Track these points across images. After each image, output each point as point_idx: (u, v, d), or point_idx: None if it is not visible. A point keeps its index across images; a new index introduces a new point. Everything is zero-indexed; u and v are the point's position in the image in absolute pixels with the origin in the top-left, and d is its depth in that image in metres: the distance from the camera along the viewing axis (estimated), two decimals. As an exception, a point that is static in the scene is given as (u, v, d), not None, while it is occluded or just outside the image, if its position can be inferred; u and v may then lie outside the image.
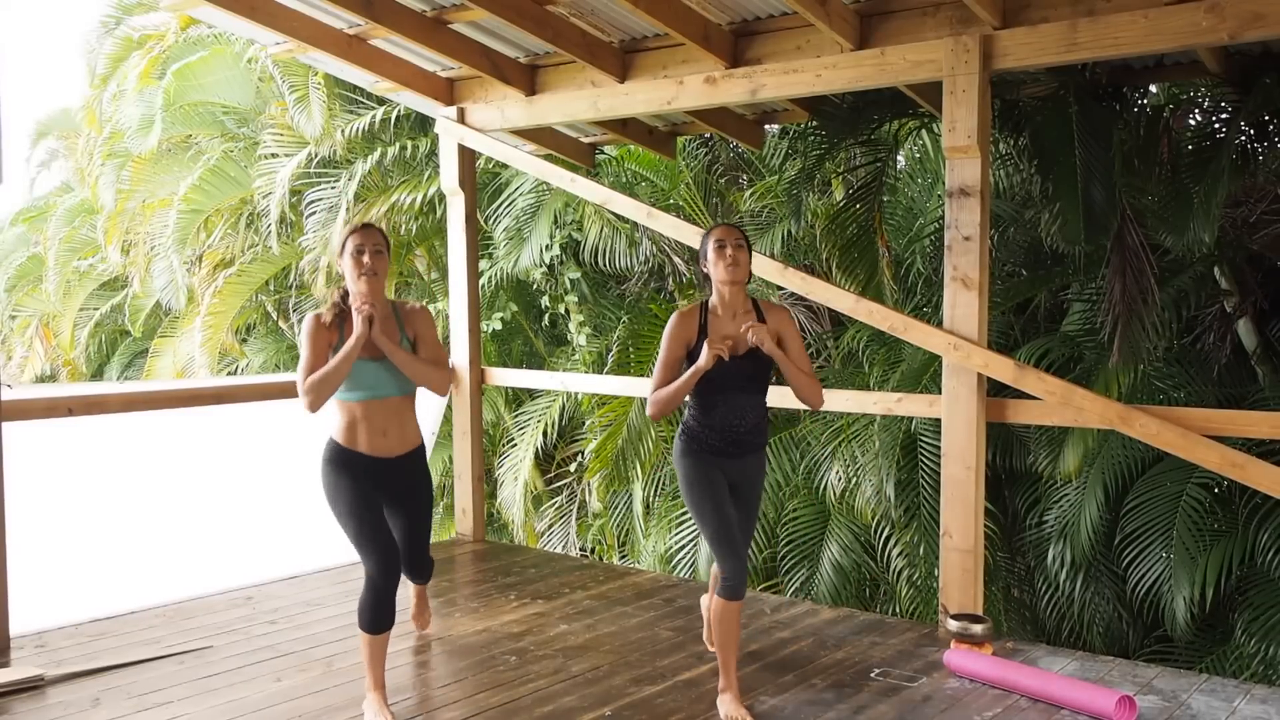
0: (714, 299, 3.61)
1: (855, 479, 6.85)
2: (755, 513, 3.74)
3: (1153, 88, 6.20)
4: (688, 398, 3.57)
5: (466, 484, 6.14)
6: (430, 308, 9.51)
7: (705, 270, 3.63)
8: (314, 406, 3.46)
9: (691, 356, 3.54)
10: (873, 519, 6.83)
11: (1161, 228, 5.49)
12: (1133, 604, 6.08)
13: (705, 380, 3.46)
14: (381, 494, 3.63)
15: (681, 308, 3.67)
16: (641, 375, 7.71)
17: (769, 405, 3.71)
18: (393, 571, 3.51)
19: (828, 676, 3.90)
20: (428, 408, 3.98)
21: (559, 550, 8.87)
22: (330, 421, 3.64)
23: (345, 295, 3.59)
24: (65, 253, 14.11)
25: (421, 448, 3.79)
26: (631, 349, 8.13)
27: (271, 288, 11.43)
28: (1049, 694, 3.62)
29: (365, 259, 3.49)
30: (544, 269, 8.95)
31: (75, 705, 3.68)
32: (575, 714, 3.56)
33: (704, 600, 4.18)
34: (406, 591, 4.03)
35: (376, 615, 3.48)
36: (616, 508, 8.63)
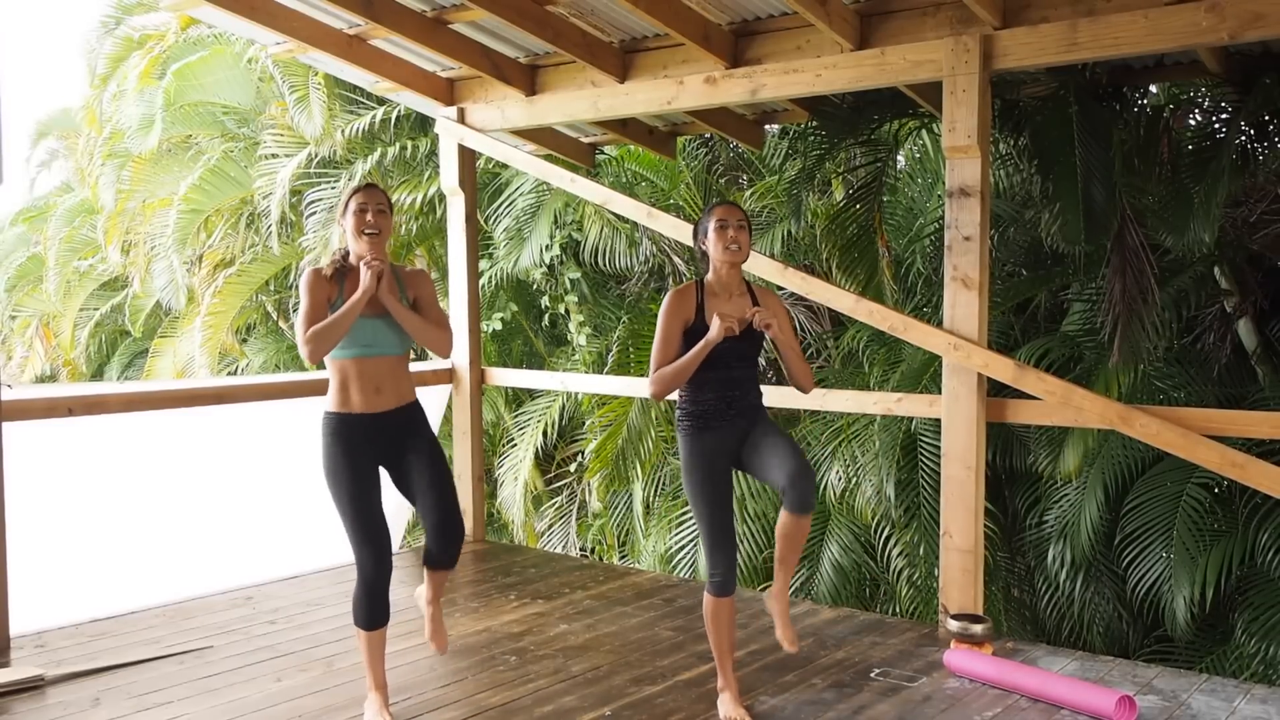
0: (710, 277, 3.57)
1: (855, 479, 6.85)
2: (793, 442, 3.57)
3: (1153, 88, 6.20)
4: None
5: (466, 484, 6.13)
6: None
7: (703, 247, 3.59)
8: (314, 357, 3.41)
9: (689, 333, 3.50)
10: (873, 519, 6.83)
11: (1161, 228, 5.50)
12: (1133, 604, 6.08)
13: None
14: (384, 457, 3.52)
15: (676, 287, 3.63)
16: (641, 375, 7.71)
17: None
18: (384, 562, 3.44)
19: (828, 676, 3.90)
20: (428, 408, 3.97)
21: (559, 550, 8.87)
22: (326, 391, 3.55)
23: (346, 254, 3.55)
24: (65, 253, 14.11)
25: (418, 403, 3.67)
26: (631, 349, 8.13)
27: (271, 288, 11.43)
28: (1049, 694, 3.62)
29: (369, 217, 3.46)
30: (544, 269, 8.95)
31: (75, 705, 3.68)
32: (575, 714, 3.57)
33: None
34: (420, 602, 3.83)
35: (371, 610, 3.44)
36: (616, 508, 8.63)
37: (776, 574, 3.54)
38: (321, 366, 3.56)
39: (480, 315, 6.53)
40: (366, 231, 3.45)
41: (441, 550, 3.59)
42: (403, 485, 3.61)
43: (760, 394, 3.61)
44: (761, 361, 3.68)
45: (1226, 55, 4.86)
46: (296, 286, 10.97)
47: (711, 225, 3.52)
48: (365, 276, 3.41)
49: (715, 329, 3.39)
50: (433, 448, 3.61)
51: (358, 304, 3.40)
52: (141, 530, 5.13)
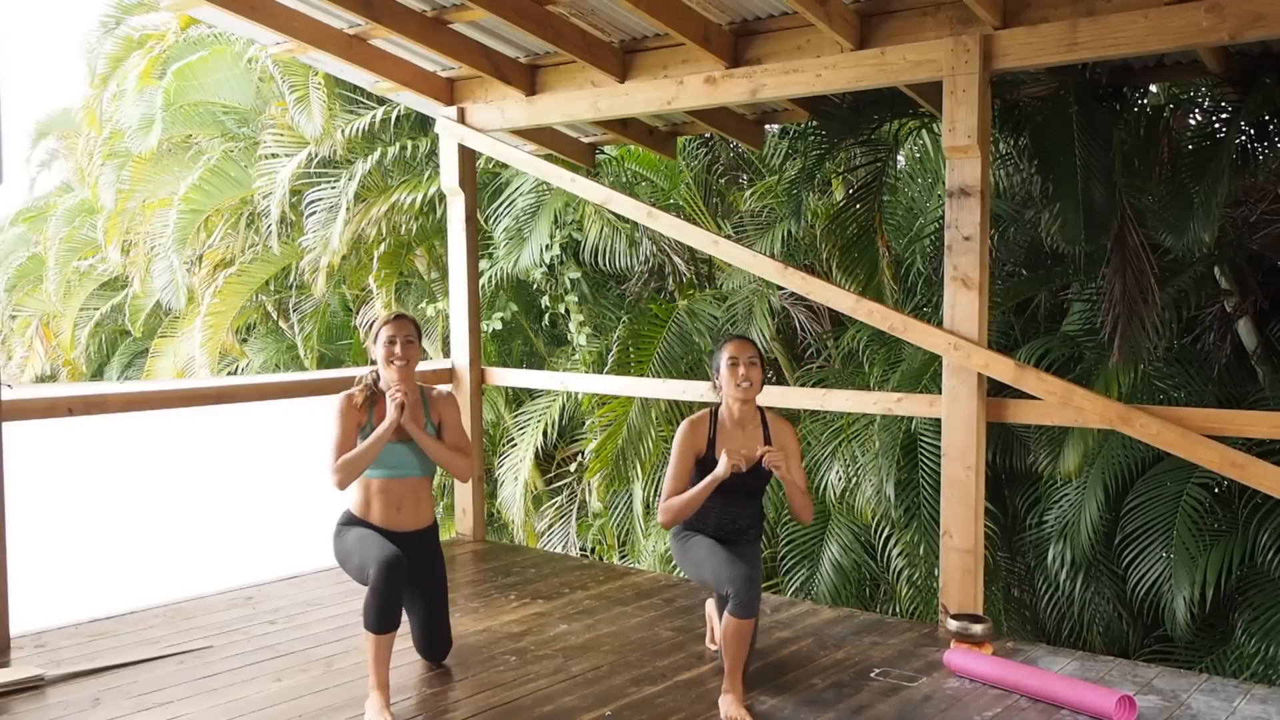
0: (723, 409, 3.73)
1: (855, 479, 6.85)
2: (757, 560, 3.84)
3: (1153, 88, 6.20)
4: None
5: (466, 484, 6.13)
6: (430, 308, 9.54)
7: (717, 382, 3.75)
8: (342, 485, 3.68)
9: (701, 464, 3.67)
10: (873, 519, 6.82)
11: (1161, 228, 5.49)
12: (1133, 604, 6.08)
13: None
14: None
15: (691, 417, 3.78)
16: (641, 375, 7.71)
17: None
18: (395, 571, 3.50)
19: (828, 676, 3.90)
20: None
21: (559, 550, 8.86)
22: (347, 497, 3.84)
23: (376, 378, 3.79)
24: (65, 253, 14.12)
25: (435, 526, 3.97)
26: (631, 349, 8.13)
27: (272, 288, 11.44)
28: (1049, 694, 3.62)
29: (397, 349, 3.71)
30: (544, 269, 8.95)
31: (75, 705, 3.68)
32: (575, 714, 3.56)
33: (709, 604, 4.17)
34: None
35: (382, 615, 3.48)
36: (616, 508, 8.62)
37: (727, 673, 3.55)
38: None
39: (480, 315, 6.53)
40: (395, 362, 3.70)
41: (428, 657, 4.01)
42: (404, 602, 3.85)
43: (759, 525, 3.83)
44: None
45: (1226, 55, 4.86)
46: (298, 295, 11.06)
47: (724, 362, 3.68)
48: (391, 409, 3.67)
49: (722, 466, 3.54)
50: (440, 579, 3.96)
51: (383, 437, 3.67)
52: (141, 530, 5.14)
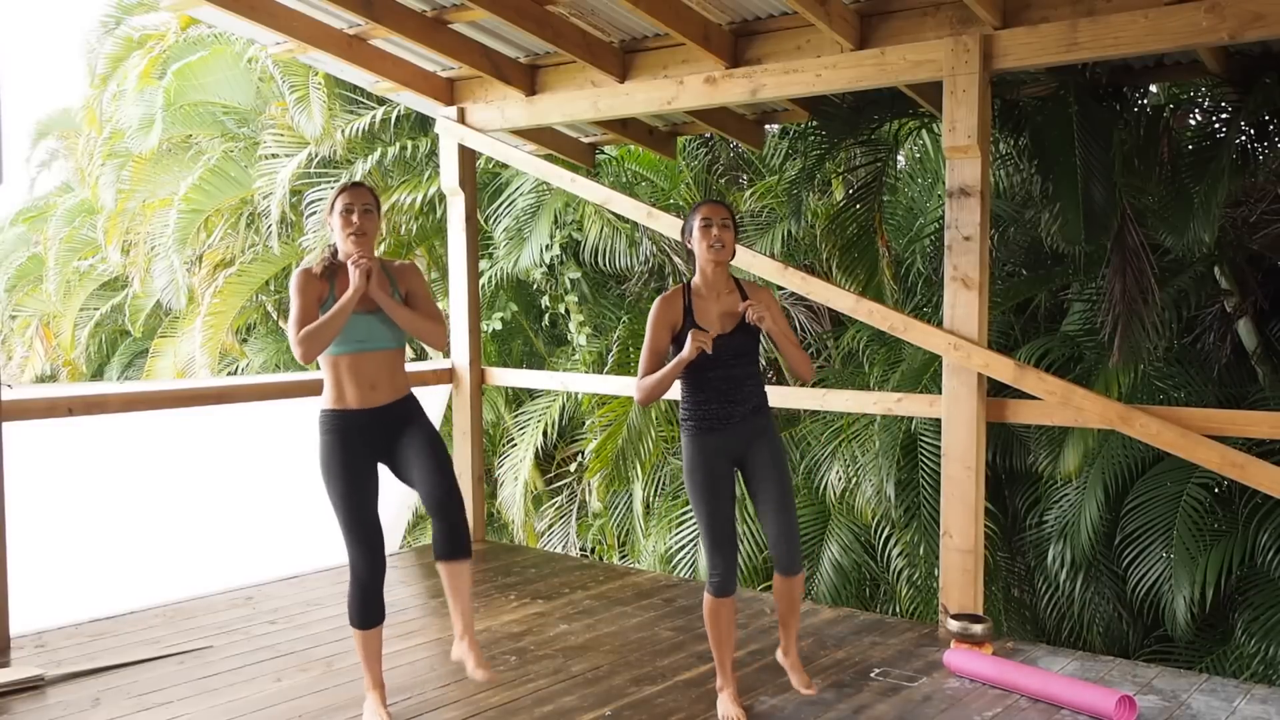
0: (696, 278, 3.56)
1: (855, 479, 6.85)
2: (788, 488, 3.57)
3: (1153, 88, 6.20)
4: (679, 382, 3.53)
5: (467, 484, 6.12)
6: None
7: (689, 246, 3.59)
8: (308, 358, 3.40)
9: (678, 339, 3.50)
10: (873, 519, 6.83)
11: (1161, 228, 5.49)
12: (1133, 604, 6.08)
13: (694, 360, 3.41)
14: (382, 452, 3.52)
15: (665, 292, 3.61)
16: (641, 375, 7.70)
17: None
18: (378, 562, 3.43)
19: (828, 676, 3.90)
20: (428, 408, 3.99)
21: (559, 550, 8.87)
22: (322, 389, 3.55)
23: (335, 251, 3.54)
24: (65, 253, 14.11)
25: (414, 396, 3.66)
26: (632, 349, 8.13)
27: (272, 288, 11.43)
28: (1049, 694, 3.62)
29: (354, 217, 3.46)
30: (544, 269, 8.95)
31: (75, 705, 3.68)
32: (575, 714, 3.56)
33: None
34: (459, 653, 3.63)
35: (365, 609, 3.44)
36: (616, 508, 8.63)
37: (781, 633, 3.61)
38: (316, 366, 3.55)
39: (480, 315, 6.53)
40: (352, 233, 3.45)
41: (446, 534, 3.50)
42: (403, 473, 3.58)
43: (763, 393, 3.59)
44: (762, 361, 3.68)
45: (1226, 55, 4.86)
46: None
47: (696, 224, 3.51)
48: (354, 275, 3.40)
49: (687, 348, 3.37)
50: (430, 434, 3.58)
51: (349, 303, 3.39)
52: (141, 530, 5.13)
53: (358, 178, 9.26)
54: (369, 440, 3.47)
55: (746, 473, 3.54)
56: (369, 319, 3.48)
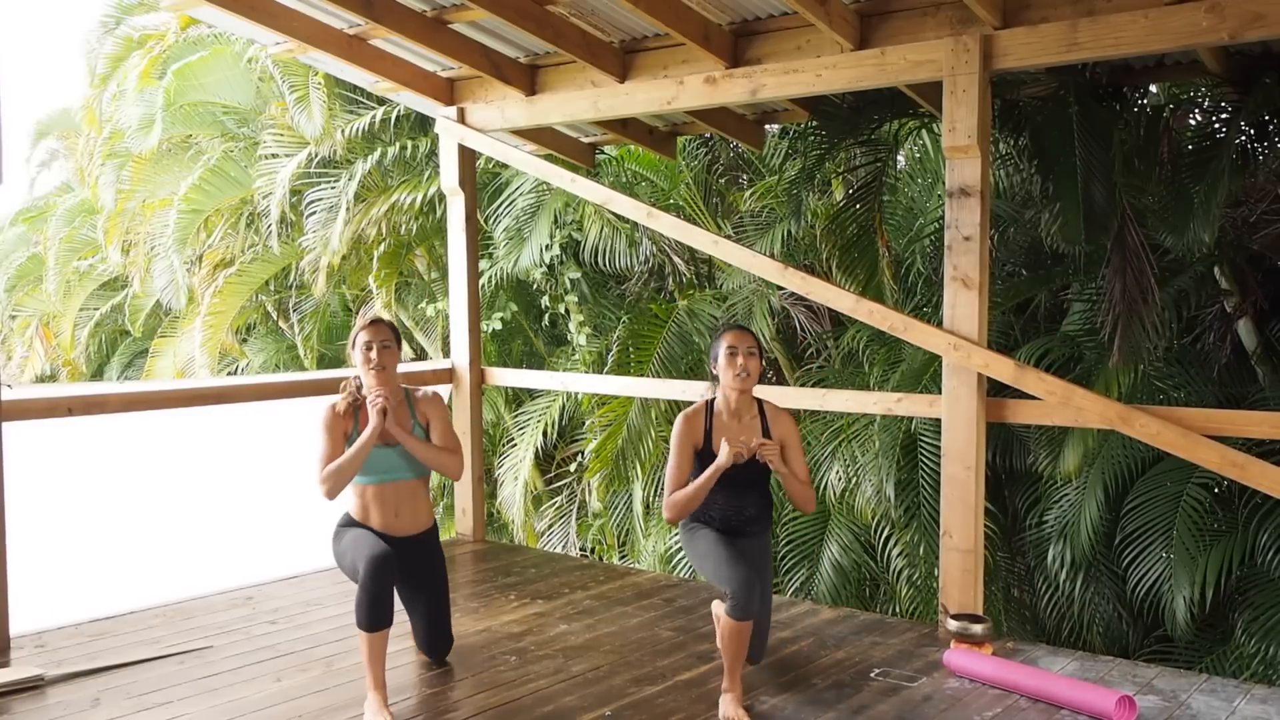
0: (719, 400, 3.72)
1: (855, 479, 6.85)
2: (768, 586, 3.84)
3: (1153, 88, 6.20)
4: None
5: (466, 484, 6.13)
6: (430, 308, 9.54)
7: (714, 371, 3.74)
8: (331, 494, 3.68)
9: (699, 458, 3.66)
10: (873, 519, 6.82)
11: (1161, 228, 5.49)
12: (1133, 604, 6.08)
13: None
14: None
15: (686, 410, 3.77)
16: (641, 375, 7.71)
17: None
18: (384, 569, 3.51)
19: (828, 676, 3.90)
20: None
21: (559, 550, 8.87)
22: (346, 502, 3.85)
23: (360, 385, 3.79)
24: (65, 253, 14.11)
25: (435, 528, 3.98)
26: (631, 349, 8.13)
27: (272, 288, 11.43)
28: (1049, 694, 3.62)
29: (373, 354, 3.71)
30: (544, 269, 8.95)
31: (75, 705, 3.68)
32: (575, 714, 3.56)
33: (716, 604, 4.15)
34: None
35: (373, 612, 3.48)
36: (616, 508, 8.63)
37: (726, 672, 3.56)
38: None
39: (480, 315, 6.54)
40: (372, 369, 3.70)
41: (430, 655, 4.03)
42: (406, 602, 3.96)
43: (768, 514, 3.81)
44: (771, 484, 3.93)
45: (1226, 55, 4.86)
46: (298, 295, 11.05)
47: (722, 351, 3.67)
48: (372, 415, 3.67)
49: (724, 454, 3.53)
50: (442, 579, 3.99)
51: (367, 443, 3.67)
52: (141, 530, 5.13)
53: (358, 177, 9.25)
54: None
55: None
56: (389, 452, 3.77)
